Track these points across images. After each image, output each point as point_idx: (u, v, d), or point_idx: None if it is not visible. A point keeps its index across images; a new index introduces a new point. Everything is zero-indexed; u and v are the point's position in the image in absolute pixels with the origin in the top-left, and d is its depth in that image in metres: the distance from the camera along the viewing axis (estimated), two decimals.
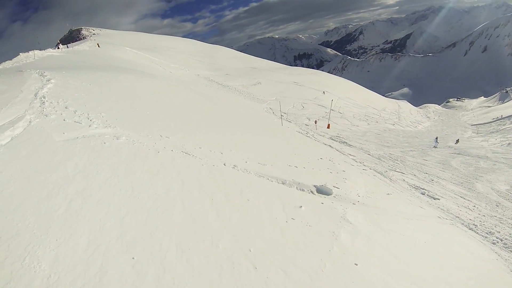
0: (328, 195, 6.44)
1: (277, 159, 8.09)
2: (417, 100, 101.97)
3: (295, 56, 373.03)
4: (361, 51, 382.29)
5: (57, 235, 3.42)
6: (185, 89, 16.96)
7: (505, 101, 59.16)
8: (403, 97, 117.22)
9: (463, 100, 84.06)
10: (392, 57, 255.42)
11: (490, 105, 62.78)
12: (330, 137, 15.01)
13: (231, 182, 5.79)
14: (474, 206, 8.58)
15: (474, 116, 50.77)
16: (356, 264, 4.15)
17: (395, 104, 49.67)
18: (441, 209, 7.90)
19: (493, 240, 6.48)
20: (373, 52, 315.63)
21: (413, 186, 9.45)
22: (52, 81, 10.00)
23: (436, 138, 20.41)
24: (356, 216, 5.70)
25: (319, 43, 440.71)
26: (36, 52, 18.08)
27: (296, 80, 35.79)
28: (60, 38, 44.93)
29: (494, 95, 72.75)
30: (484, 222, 7.46)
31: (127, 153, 5.88)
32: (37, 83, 9.56)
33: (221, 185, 5.53)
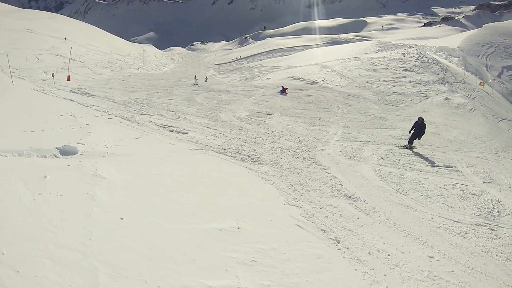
0: (73, 154, 7.42)
1: (9, 127, 8.52)
2: (162, 44, 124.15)
3: None
4: None
5: None
6: None
7: (244, 45, 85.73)
8: (149, 41, 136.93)
9: (207, 44, 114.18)
10: (140, 1, 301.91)
11: (231, 48, 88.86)
12: (71, 90, 16.81)
13: None
14: (220, 133, 11.70)
15: (216, 57, 68.96)
16: (122, 219, 4.90)
17: (140, 48, 59.51)
18: (191, 141, 10.35)
19: (242, 158, 9.37)
20: None
21: (161, 125, 11.64)
22: None
23: (195, 76, 27.09)
24: (108, 168, 6.64)
25: None
26: None
27: (29, 27, 37.88)
28: None
29: (235, 40, 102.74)
30: (231, 145, 10.45)
31: None
32: None
33: None
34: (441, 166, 10.58)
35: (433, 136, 13.91)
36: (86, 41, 40.91)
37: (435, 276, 5.20)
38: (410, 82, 23.26)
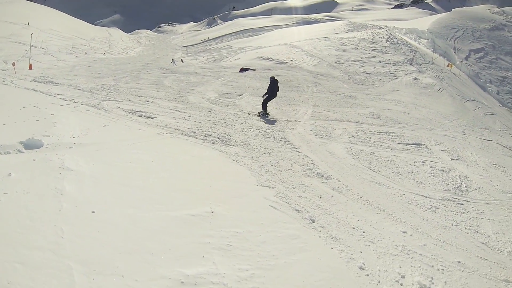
0: (39, 147, 7.19)
1: None
2: (129, 26, 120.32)
3: None
4: None
5: None
6: None
7: (212, 26, 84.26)
8: (114, 24, 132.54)
9: (174, 25, 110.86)
10: None
11: (199, 29, 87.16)
12: (34, 79, 16.16)
13: None
14: (189, 116, 11.47)
15: (184, 39, 67.56)
16: (94, 212, 4.78)
17: (105, 32, 57.61)
18: (160, 126, 10.10)
19: (212, 140, 9.24)
20: None
21: (129, 111, 11.35)
22: None
23: (172, 59, 27.29)
24: (76, 160, 6.47)
25: None
26: None
27: None
28: None
29: (203, 21, 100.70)
30: (201, 127, 10.27)
31: None
32: None
33: None
34: (410, 144, 10.90)
35: (402, 114, 14.27)
36: (47, 26, 39.44)
37: (409, 251, 5.36)
38: (380, 62, 23.67)
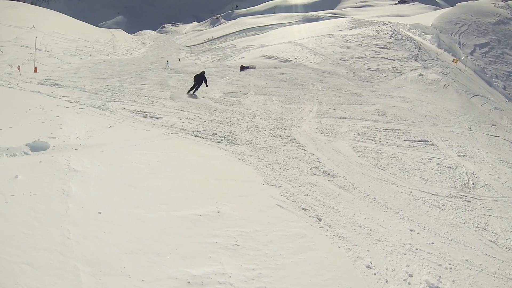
0: (45, 149, 7.18)
1: None
2: (132, 28, 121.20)
3: None
4: None
5: None
6: None
7: (215, 25, 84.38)
8: (118, 25, 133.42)
9: (178, 25, 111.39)
10: None
11: (203, 28, 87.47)
12: (39, 82, 16.27)
13: None
14: (195, 115, 11.48)
15: (188, 39, 67.63)
16: (100, 212, 4.77)
17: (109, 33, 58.12)
18: (165, 126, 10.11)
19: (218, 139, 9.22)
20: None
21: (135, 111, 11.37)
22: None
23: (167, 61, 27.51)
24: (82, 161, 6.47)
25: None
26: None
27: None
28: None
29: (206, 20, 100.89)
30: (206, 127, 10.26)
31: None
32: None
33: None
34: (417, 141, 10.81)
35: (408, 111, 14.16)
36: (52, 29, 39.72)
37: (416, 249, 5.31)
38: (384, 58, 23.52)
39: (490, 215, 7.06)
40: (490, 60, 29.03)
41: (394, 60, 23.25)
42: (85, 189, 5.41)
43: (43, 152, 6.90)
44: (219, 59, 30.97)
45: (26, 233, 4.17)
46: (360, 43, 26.45)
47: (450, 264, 5.15)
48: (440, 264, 5.09)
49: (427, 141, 10.85)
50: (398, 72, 21.12)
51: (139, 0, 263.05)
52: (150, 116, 10.92)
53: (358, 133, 10.81)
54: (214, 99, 14.15)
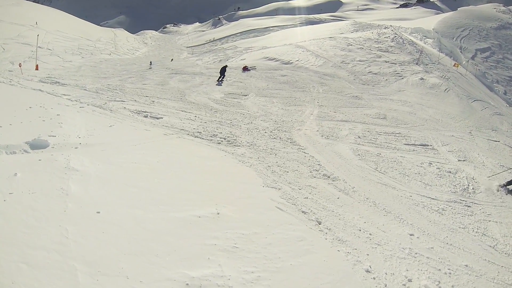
0: (45, 147, 7.26)
1: None
2: (134, 27, 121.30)
3: None
4: None
5: None
6: None
7: (217, 26, 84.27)
8: (120, 25, 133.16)
9: (179, 26, 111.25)
10: None
11: (204, 29, 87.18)
12: (40, 80, 16.29)
13: None
14: (195, 116, 11.47)
15: (189, 40, 67.55)
16: (99, 212, 4.79)
17: (111, 33, 58.01)
18: (166, 126, 10.14)
19: (218, 141, 9.24)
20: None
21: (135, 111, 11.39)
22: None
23: (150, 62, 27.76)
24: (82, 160, 6.51)
25: None
26: None
27: None
28: None
29: (208, 21, 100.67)
30: (207, 128, 10.26)
31: None
32: None
33: None
34: (417, 145, 10.79)
35: (408, 115, 14.14)
36: (54, 28, 39.67)
37: (415, 253, 5.30)
38: (386, 62, 23.48)
39: (489, 221, 7.04)
40: (491, 65, 29.01)
41: (395, 63, 23.22)
42: (84, 189, 5.42)
43: (43, 150, 6.92)
44: (220, 60, 30.97)
45: (24, 231, 4.17)
46: (362, 46, 26.43)
47: (449, 269, 5.14)
48: (440, 269, 5.08)
49: (428, 145, 10.83)
50: (399, 76, 21.09)
51: (142, 0, 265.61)
52: (150, 116, 10.94)
53: (359, 136, 10.79)
54: (215, 100, 14.13)
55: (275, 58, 24.76)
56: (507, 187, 8.61)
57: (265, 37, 44.36)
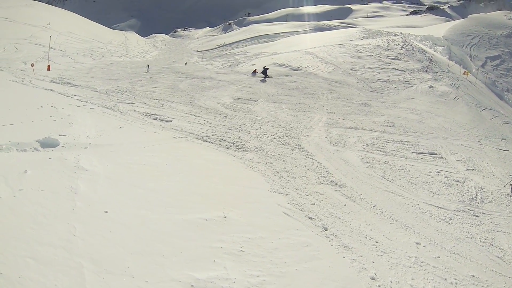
0: (55, 146, 7.37)
1: None
2: (145, 31, 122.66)
3: None
4: None
5: None
6: None
7: (227, 31, 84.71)
8: (131, 28, 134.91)
9: (190, 30, 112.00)
10: None
11: (215, 34, 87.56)
12: (52, 80, 16.47)
13: None
14: (204, 120, 11.53)
15: (199, 44, 68.08)
16: (107, 212, 4.83)
17: (122, 35, 58.91)
18: (175, 129, 10.22)
19: (227, 145, 9.28)
20: None
21: (145, 113, 11.50)
22: None
23: (148, 65, 28.13)
24: (91, 160, 6.59)
25: None
26: None
27: (6, 15, 37.41)
28: None
29: (218, 26, 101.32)
30: (215, 132, 10.31)
31: None
32: None
33: None
34: (425, 153, 10.71)
35: (417, 123, 14.05)
36: (66, 29, 40.39)
37: (422, 262, 5.27)
38: (395, 69, 23.40)
39: (497, 231, 6.97)
40: (501, 73, 28.72)
41: (404, 71, 23.12)
42: (93, 188, 5.50)
43: (53, 149, 7.05)
44: (230, 65, 31.10)
45: (32, 227, 4.23)
46: (371, 54, 26.39)
47: (455, 279, 5.09)
48: (446, 279, 5.04)
49: (436, 154, 10.75)
50: (409, 84, 20.98)
51: (153, 4, 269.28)
52: (160, 119, 11.03)
53: (367, 144, 10.76)
54: (224, 104, 14.20)
55: (285, 64, 24.82)
56: None
57: (275, 43, 44.48)
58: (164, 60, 41.57)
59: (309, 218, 5.87)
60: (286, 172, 7.90)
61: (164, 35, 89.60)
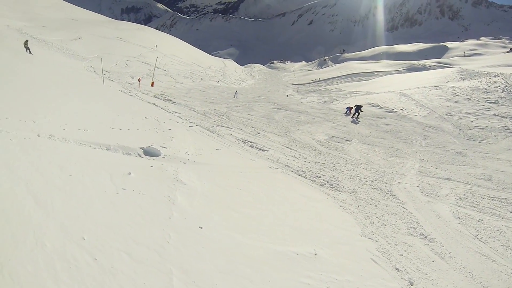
0: (156, 156, 7.53)
1: (99, 123, 8.90)
2: (243, 60, 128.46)
3: (122, 9, 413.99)
4: (193, 9, 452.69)
5: None
6: None
7: (323, 67, 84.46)
8: (230, 56, 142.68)
9: (286, 63, 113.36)
10: (223, 18, 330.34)
11: (310, 69, 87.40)
12: (155, 95, 17.51)
13: (47, 156, 5.90)
14: (299, 154, 11.77)
15: (295, 77, 68.84)
16: (201, 228, 4.91)
17: (221, 62, 61.57)
18: (271, 159, 10.47)
19: (321, 183, 9.38)
20: (205, 12, 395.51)
21: (241, 139, 11.84)
22: None
23: (236, 91, 28.38)
24: (189, 175, 6.73)
25: None
26: None
27: (121, 36, 41.46)
28: None
29: (314, 61, 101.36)
30: (310, 168, 10.50)
31: None
32: None
33: (36, 162, 5.56)
34: None
35: None
36: (170, 52, 43.47)
37: None
38: (495, 115, 20.90)
39: None
40: None
41: (505, 117, 20.43)
42: (189, 202, 5.67)
43: (154, 158, 7.41)
44: (325, 101, 31.00)
45: (130, 225, 4.45)
46: (469, 97, 24.00)
47: None
48: None
49: None
50: (510, 132, 18.51)
51: (252, 35, 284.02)
52: (256, 147, 11.24)
53: (460, 198, 9.90)
54: (319, 141, 14.36)
55: (379, 105, 24.10)
56: None
57: (369, 82, 43.08)
58: (260, 89, 42.84)
59: (396, 269, 5.75)
60: (377, 217, 7.80)
61: (260, 65, 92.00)
